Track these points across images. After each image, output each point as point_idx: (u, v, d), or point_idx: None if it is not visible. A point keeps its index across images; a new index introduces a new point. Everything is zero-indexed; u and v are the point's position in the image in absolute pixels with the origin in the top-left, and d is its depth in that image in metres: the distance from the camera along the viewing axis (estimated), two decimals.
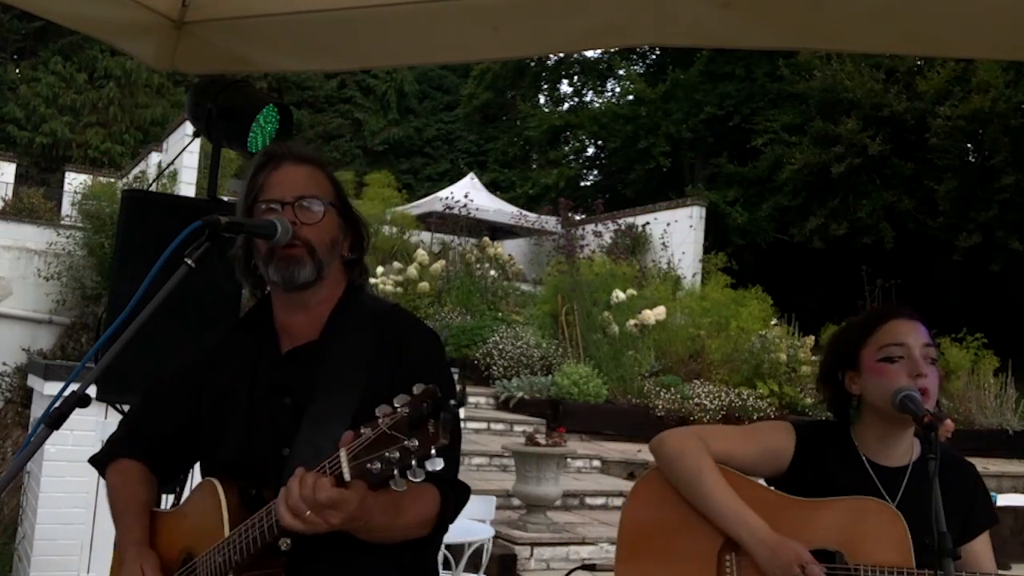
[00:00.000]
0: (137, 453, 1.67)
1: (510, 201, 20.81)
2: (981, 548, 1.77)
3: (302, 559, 1.44)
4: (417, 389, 1.17)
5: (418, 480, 1.16)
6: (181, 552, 1.54)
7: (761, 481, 1.86)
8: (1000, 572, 1.70)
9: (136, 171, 14.02)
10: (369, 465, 1.17)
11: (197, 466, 1.68)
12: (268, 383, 1.56)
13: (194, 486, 1.58)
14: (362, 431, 1.19)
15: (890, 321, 1.77)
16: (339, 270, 1.63)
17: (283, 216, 1.53)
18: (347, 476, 1.20)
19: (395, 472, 1.15)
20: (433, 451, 1.14)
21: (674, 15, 2.15)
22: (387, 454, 1.16)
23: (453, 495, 1.52)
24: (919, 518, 1.67)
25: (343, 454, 1.20)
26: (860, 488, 1.75)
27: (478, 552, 4.47)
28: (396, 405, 1.17)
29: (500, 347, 10.67)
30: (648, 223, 14.86)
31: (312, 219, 1.55)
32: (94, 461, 1.72)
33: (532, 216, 17.58)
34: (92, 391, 1.37)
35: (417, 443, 1.14)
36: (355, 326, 1.57)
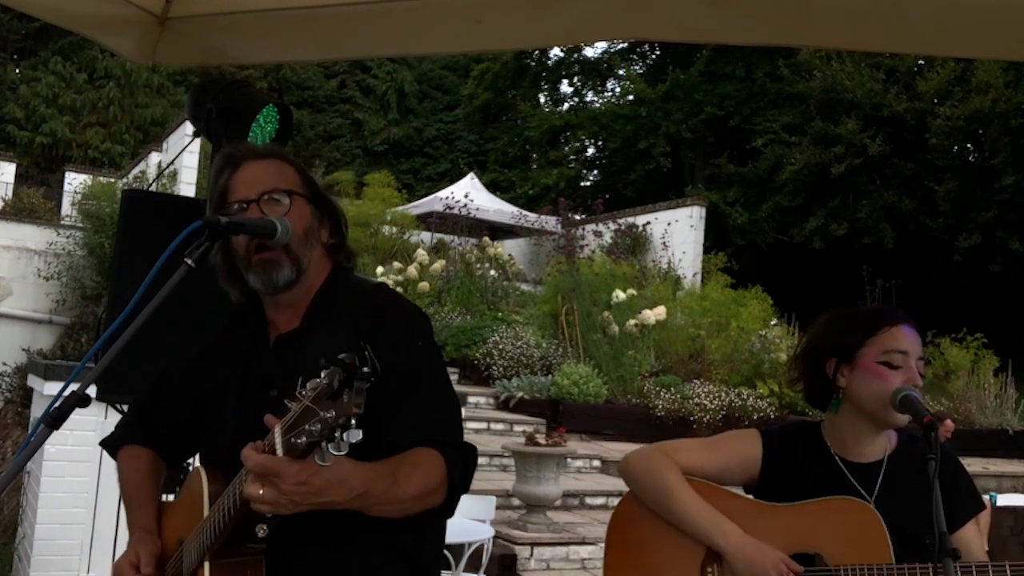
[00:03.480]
0: (146, 440, 1.71)
1: (510, 201, 20.80)
2: (971, 536, 1.76)
3: (287, 548, 1.43)
4: (340, 359, 1.16)
5: (342, 452, 1.16)
6: (177, 541, 1.56)
7: (738, 490, 1.86)
8: (992, 564, 1.69)
9: (136, 171, 14.03)
10: (295, 440, 1.17)
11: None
12: (257, 376, 1.57)
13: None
14: (289, 406, 1.19)
15: (898, 326, 1.77)
16: (322, 256, 1.62)
17: (251, 211, 1.54)
18: (279, 452, 1.20)
19: (320, 444, 1.15)
20: (353, 422, 1.14)
21: (660, 11, 2.16)
22: (308, 427, 1.15)
23: (459, 454, 1.48)
24: (897, 512, 1.68)
25: (277, 430, 1.20)
26: (836, 486, 1.75)
27: (478, 552, 4.46)
28: (320, 378, 1.16)
29: (500, 347, 10.66)
30: (648, 223, 14.86)
31: (280, 212, 1.54)
32: (106, 443, 1.76)
33: (532, 216, 17.58)
34: (92, 391, 1.37)
35: (334, 414, 1.13)
36: (337, 310, 1.57)
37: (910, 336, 1.77)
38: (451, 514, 1.56)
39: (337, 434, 1.14)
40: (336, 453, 1.16)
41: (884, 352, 1.75)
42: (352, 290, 1.61)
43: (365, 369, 1.14)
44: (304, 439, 1.16)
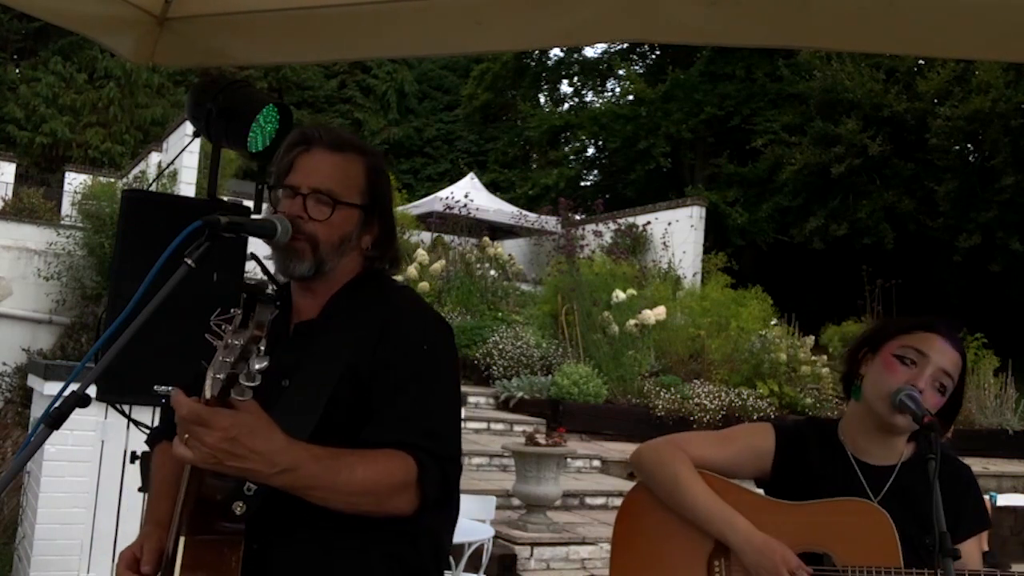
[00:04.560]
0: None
1: (510, 201, 20.80)
2: (969, 551, 1.75)
3: (269, 532, 1.41)
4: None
5: (255, 383, 1.12)
6: None
7: (749, 484, 1.86)
8: (1001, 573, 1.69)
9: (136, 171, 14.01)
10: (217, 375, 1.13)
11: None
12: (271, 365, 1.56)
13: None
14: (215, 344, 1.16)
15: (932, 333, 1.75)
16: (355, 260, 1.60)
17: (295, 204, 1.52)
18: (207, 394, 1.16)
19: (237, 378, 1.12)
20: (261, 348, 1.10)
21: (660, 12, 2.15)
22: (222, 358, 1.12)
23: (436, 465, 1.41)
24: (901, 516, 1.67)
25: (209, 373, 1.17)
26: (845, 484, 1.75)
27: (478, 552, 4.46)
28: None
29: (500, 347, 10.66)
30: (648, 223, 14.86)
31: (321, 215, 1.52)
32: (148, 439, 1.77)
33: (532, 216, 17.58)
34: (92, 391, 1.36)
35: (241, 342, 1.10)
36: (356, 306, 1.56)
37: (941, 347, 1.73)
38: (440, 526, 1.52)
39: (248, 363, 1.10)
40: (248, 384, 1.12)
41: (903, 347, 1.74)
42: (378, 288, 1.60)
43: (269, 291, 1.13)
44: (222, 373, 1.13)
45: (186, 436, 1.21)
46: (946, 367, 1.73)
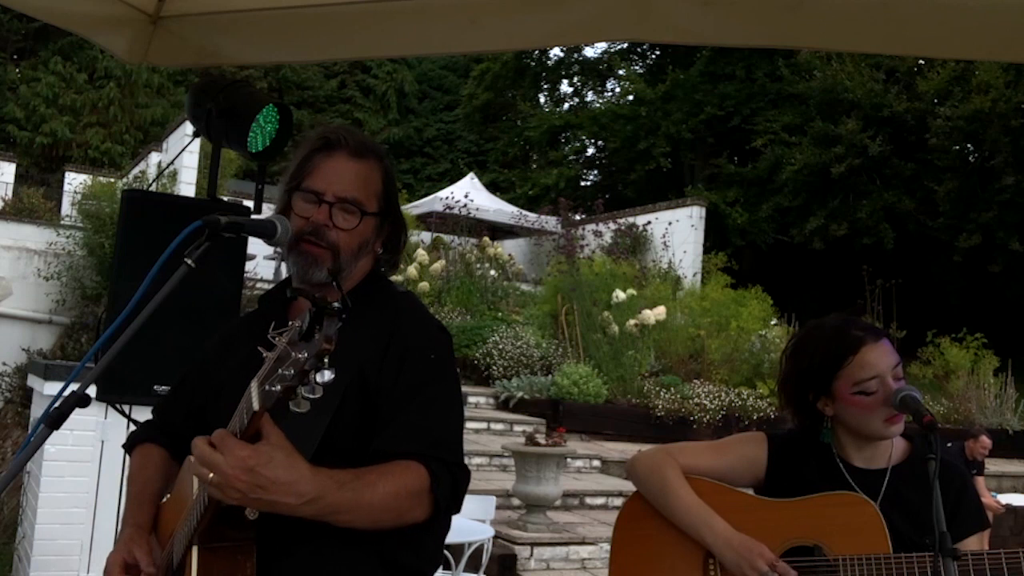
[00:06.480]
0: (158, 437, 1.68)
1: (510, 201, 20.81)
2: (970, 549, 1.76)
3: (278, 539, 1.40)
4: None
5: (316, 396, 1.11)
6: (172, 533, 1.52)
7: (746, 491, 1.88)
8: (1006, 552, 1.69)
9: (136, 171, 14.01)
10: (270, 387, 1.12)
11: None
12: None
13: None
14: (265, 355, 1.15)
15: (860, 350, 1.75)
16: (367, 263, 1.61)
17: (321, 212, 1.51)
18: (256, 405, 1.15)
19: (294, 389, 1.11)
20: (326, 360, 1.09)
21: (654, 12, 2.15)
22: (282, 371, 1.10)
23: (447, 473, 1.43)
24: (900, 520, 1.69)
25: (253, 383, 1.15)
26: (838, 491, 1.77)
27: (478, 552, 4.46)
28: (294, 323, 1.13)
29: (500, 347, 10.66)
30: (648, 223, 14.87)
31: (348, 224, 1.52)
32: (125, 444, 1.73)
33: (532, 216, 17.58)
34: (92, 391, 1.36)
35: (306, 354, 1.09)
36: (362, 312, 1.54)
37: (877, 352, 1.75)
38: (440, 531, 1.53)
39: (311, 376, 1.09)
40: (310, 396, 1.11)
41: (855, 384, 1.75)
42: (381, 293, 1.60)
43: (336, 304, 1.11)
44: (278, 385, 1.11)
45: (210, 475, 1.21)
46: (894, 361, 1.76)
